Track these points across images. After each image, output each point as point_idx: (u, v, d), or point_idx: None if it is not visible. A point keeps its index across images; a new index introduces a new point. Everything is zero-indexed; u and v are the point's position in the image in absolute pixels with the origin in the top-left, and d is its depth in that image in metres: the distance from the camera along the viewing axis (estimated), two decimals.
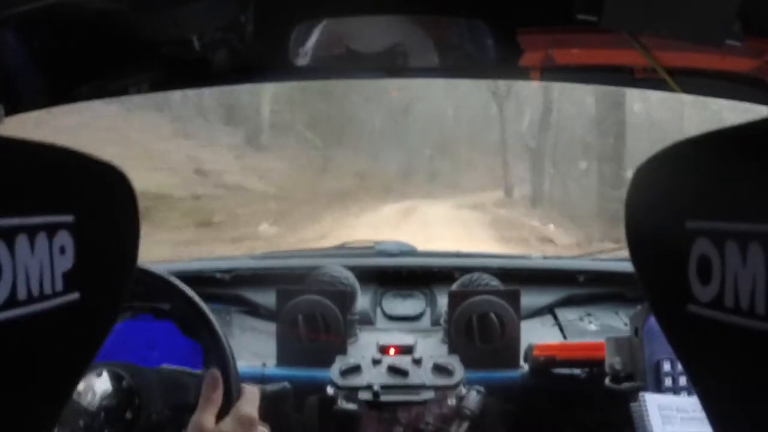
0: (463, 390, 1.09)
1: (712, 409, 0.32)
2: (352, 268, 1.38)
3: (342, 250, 1.75)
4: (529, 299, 1.36)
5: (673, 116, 8.91)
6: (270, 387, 1.07)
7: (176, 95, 8.18)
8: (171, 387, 0.86)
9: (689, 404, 0.88)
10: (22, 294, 0.30)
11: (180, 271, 1.34)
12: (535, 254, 1.67)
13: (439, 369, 1.11)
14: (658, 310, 0.35)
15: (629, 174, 0.35)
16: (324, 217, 8.41)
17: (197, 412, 0.76)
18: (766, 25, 0.77)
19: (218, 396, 0.77)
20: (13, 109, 0.94)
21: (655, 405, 0.90)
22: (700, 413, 0.33)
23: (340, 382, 1.08)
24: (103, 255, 0.36)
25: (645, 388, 0.95)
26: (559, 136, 11.09)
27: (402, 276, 1.50)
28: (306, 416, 1.17)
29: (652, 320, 0.94)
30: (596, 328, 1.34)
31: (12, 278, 0.29)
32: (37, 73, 0.89)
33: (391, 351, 1.18)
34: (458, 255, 1.68)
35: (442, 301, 1.33)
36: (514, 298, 1.22)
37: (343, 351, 1.20)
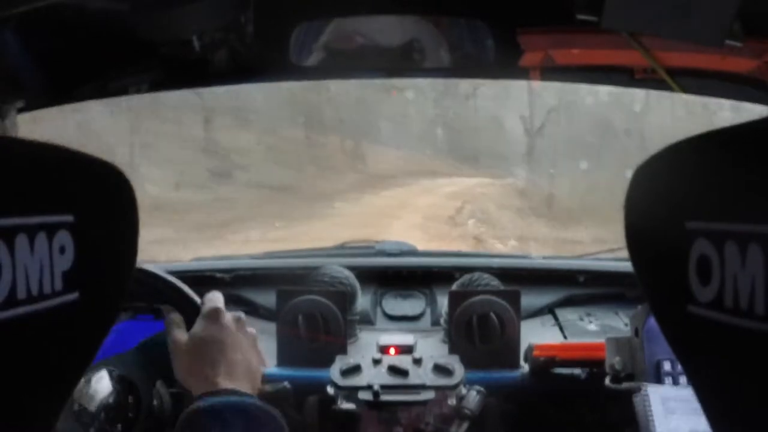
0: (463, 390, 1.09)
1: (711, 409, 0.32)
2: (352, 268, 1.38)
3: (342, 250, 1.75)
4: (529, 299, 1.35)
5: None
6: (270, 387, 1.07)
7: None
8: (157, 355, 0.86)
9: (692, 395, 0.87)
10: (21, 293, 0.30)
11: (180, 271, 1.34)
12: (535, 254, 1.67)
13: (440, 369, 1.11)
14: (658, 310, 0.35)
15: None
16: None
17: (168, 335, 0.78)
18: (766, 25, 0.77)
19: (177, 315, 0.79)
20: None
21: (657, 396, 0.89)
22: None
23: (340, 382, 1.08)
24: (102, 255, 0.36)
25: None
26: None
27: (402, 276, 1.50)
28: (306, 416, 1.17)
29: (652, 320, 0.94)
30: (596, 328, 1.34)
31: (12, 278, 0.29)
32: (37, 73, 0.89)
33: (392, 351, 1.18)
34: (458, 255, 1.68)
35: (443, 301, 1.33)
36: (514, 298, 1.22)
37: (343, 351, 1.19)
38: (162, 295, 0.87)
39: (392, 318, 1.42)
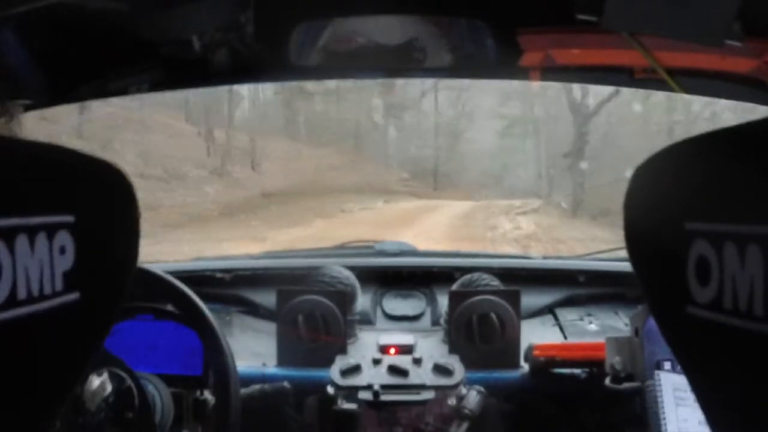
0: (463, 390, 1.09)
1: (710, 410, 0.32)
2: (352, 268, 1.38)
3: (342, 250, 1.75)
4: (529, 299, 1.35)
5: None
6: (270, 387, 1.07)
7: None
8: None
9: None
10: (22, 294, 0.30)
11: (180, 271, 1.34)
12: (535, 254, 1.67)
13: (440, 369, 1.11)
14: (657, 311, 0.35)
15: None
16: None
17: None
18: (766, 25, 0.77)
19: None
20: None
21: (669, 385, 0.89)
22: None
23: (340, 381, 1.08)
24: (103, 255, 0.36)
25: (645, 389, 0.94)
26: None
27: (402, 276, 1.50)
28: (306, 416, 1.17)
29: (653, 320, 0.94)
30: (596, 328, 1.34)
31: (12, 278, 0.29)
32: (37, 73, 0.89)
33: (392, 351, 1.18)
34: (458, 255, 1.68)
35: (443, 301, 1.33)
36: (514, 298, 1.22)
37: (343, 351, 1.19)
38: (162, 296, 0.87)
39: (392, 318, 1.42)
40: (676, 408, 0.88)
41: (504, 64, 0.96)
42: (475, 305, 1.21)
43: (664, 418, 0.87)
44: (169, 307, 0.96)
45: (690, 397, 0.88)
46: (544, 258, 1.64)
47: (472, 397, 1.08)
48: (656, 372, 0.90)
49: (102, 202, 0.36)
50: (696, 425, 0.86)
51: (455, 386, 1.09)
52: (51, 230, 0.32)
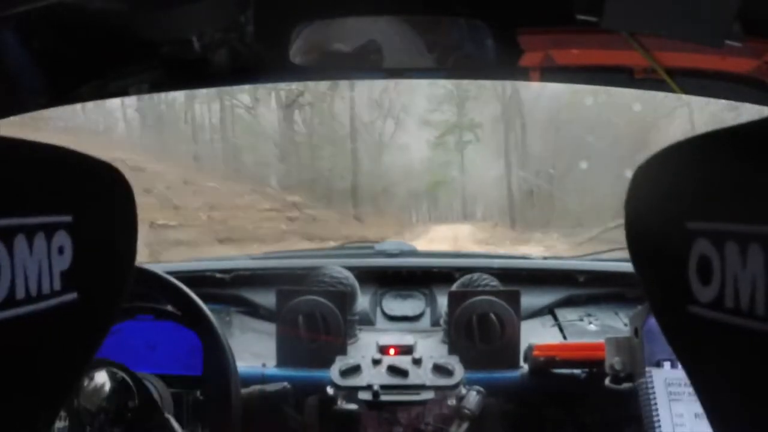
0: (463, 390, 1.09)
1: (712, 409, 0.32)
2: (352, 269, 1.38)
3: (342, 251, 1.75)
4: (529, 299, 1.36)
5: None
6: (270, 387, 1.07)
7: None
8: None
9: None
10: (20, 294, 0.30)
11: (180, 272, 1.34)
12: (534, 254, 1.67)
13: (439, 369, 1.11)
14: (658, 310, 0.35)
15: None
16: None
17: None
18: (766, 25, 0.77)
19: None
20: (13, 109, 0.94)
21: (661, 381, 0.89)
22: None
23: (340, 382, 1.08)
24: (101, 255, 0.36)
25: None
26: None
27: (402, 276, 1.50)
28: (306, 416, 1.17)
29: (652, 320, 0.94)
30: (596, 329, 1.34)
31: (10, 278, 0.29)
32: (37, 73, 0.89)
33: (391, 351, 1.18)
34: (458, 255, 1.68)
35: (442, 302, 1.33)
36: (514, 299, 1.22)
37: (343, 351, 1.19)
38: (162, 296, 0.87)
39: (392, 318, 1.42)
40: (669, 404, 0.87)
41: (504, 64, 0.96)
42: (475, 305, 1.21)
43: (658, 416, 0.87)
44: (169, 307, 0.96)
45: (684, 391, 0.88)
46: (544, 258, 1.64)
47: (472, 397, 1.08)
48: (647, 369, 0.90)
49: (100, 201, 0.36)
50: (692, 419, 0.86)
51: (455, 386, 1.09)
52: (49, 230, 0.31)
